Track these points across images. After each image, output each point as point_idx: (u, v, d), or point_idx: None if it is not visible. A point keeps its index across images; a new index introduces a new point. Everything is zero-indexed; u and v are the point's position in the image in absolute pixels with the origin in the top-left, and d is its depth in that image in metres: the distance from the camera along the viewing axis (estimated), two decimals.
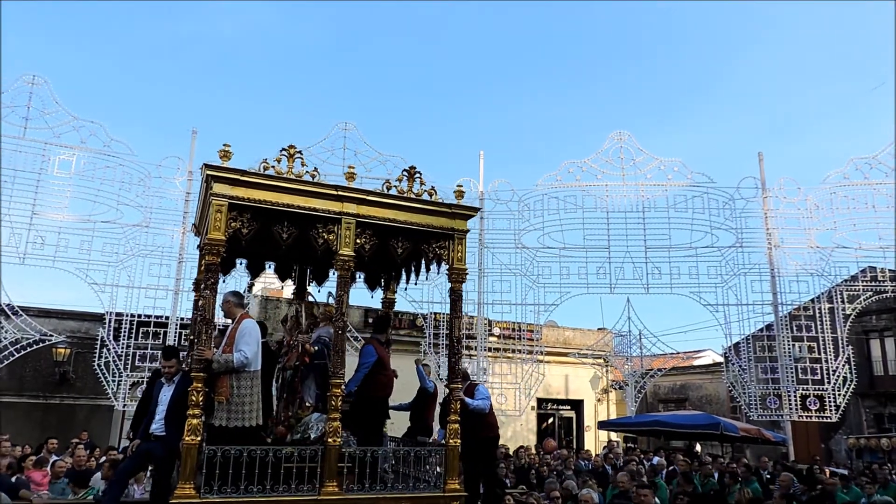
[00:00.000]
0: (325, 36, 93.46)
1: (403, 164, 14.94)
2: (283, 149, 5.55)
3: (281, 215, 5.41)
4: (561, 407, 23.15)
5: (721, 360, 19.76)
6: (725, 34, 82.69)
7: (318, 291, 7.96)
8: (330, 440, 5.26)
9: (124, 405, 13.23)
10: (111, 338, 13.20)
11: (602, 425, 19.70)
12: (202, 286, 5.35)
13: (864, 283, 14.47)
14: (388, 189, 5.88)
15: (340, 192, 5.55)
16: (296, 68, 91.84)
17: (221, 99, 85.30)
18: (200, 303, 5.34)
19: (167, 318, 13.45)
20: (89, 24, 77.59)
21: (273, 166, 5.43)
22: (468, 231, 6.19)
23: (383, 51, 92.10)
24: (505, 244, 15.47)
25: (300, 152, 5.57)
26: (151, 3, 72.60)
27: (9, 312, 12.76)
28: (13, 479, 8.00)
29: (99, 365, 13.18)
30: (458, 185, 6.41)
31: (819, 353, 14.12)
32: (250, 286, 12.59)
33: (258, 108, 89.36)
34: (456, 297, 6.09)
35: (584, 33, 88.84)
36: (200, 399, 4.97)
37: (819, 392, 13.94)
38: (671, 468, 12.20)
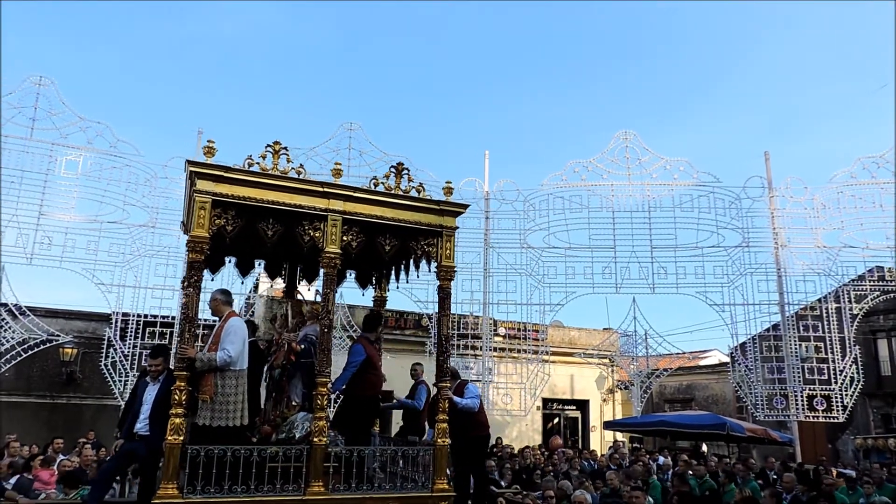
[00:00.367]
0: (329, 36, 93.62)
1: (409, 164, 14.91)
2: (268, 145, 5.47)
3: (266, 212, 5.35)
4: (566, 407, 23.12)
5: (727, 360, 19.70)
6: (730, 33, 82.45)
7: (309, 290, 7.94)
8: (316, 439, 5.20)
9: None
10: (118, 338, 13.24)
11: (607, 425, 19.68)
12: (185, 284, 5.31)
13: (872, 283, 14.40)
14: (376, 186, 5.82)
15: (326, 189, 5.49)
16: (299, 68, 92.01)
17: (225, 99, 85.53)
18: (184, 300, 5.32)
19: (173, 318, 13.48)
20: (93, 24, 77.87)
21: (258, 163, 5.36)
22: (457, 228, 6.11)
23: (387, 51, 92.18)
24: (510, 244, 15.47)
25: (285, 149, 5.50)
26: (155, 3, 72.83)
27: (16, 312, 12.82)
28: (13, 479, 7.99)
29: (106, 365, 13.23)
30: (447, 183, 6.31)
31: (826, 353, 14.06)
32: (256, 286, 12.64)
33: (262, 108, 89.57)
34: (444, 295, 6.03)
35: (588, 33, 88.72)
36: (184, 398, 4.90)
37: (826, 392, 13.88)
38: (677, 468, 12.18)
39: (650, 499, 8.75)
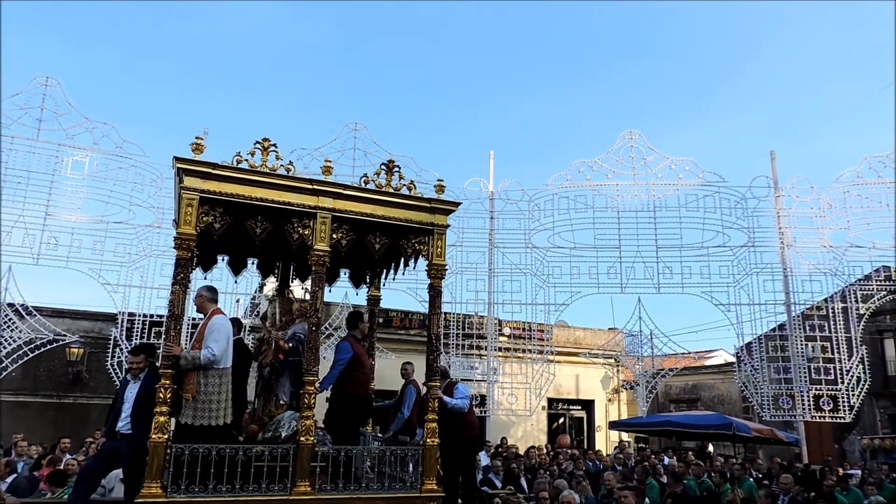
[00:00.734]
0: (331, 36, 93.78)
1: (413, 165, 14.90)
2: (257, 142, 5.38)
3: (254, 210, 5.28)
4: (571, 407, 23.08)
5: (733, 360, 19.66)
6: (736, 33, 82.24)
7: (302, 288, 7.89)
8: (302, 439, 5.12)
9: None
10: (124, 338, 13.29)
11: (613, 425, 19.63)
12: (172, 281, 5.23)
13: (878, 283, 14.37)
14: (366, 183, 5.71)
15: (315, 186, 5.40)
16: (302, 68, 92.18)
17: (228, 99, 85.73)
18: (170, 298, 5.24)
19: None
20: (95, 24, 78.19)
21: (247, 159, 5.28)
22: (448, 226, 6.00)
23: (390, 51, 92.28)
24: (515, 244, 15.48)
25: (275, 145, 5.42)
26: (157, 3, 73.09)
27: (23, 312, 12.89)
28: (10, 479, 7.97)
29: (112, 364, 13.28)
30: (438, 180, 6.20)
31: (832, 353, 14.03)
32: (261, 286, 12.65)
33: (265, 109, 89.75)
34: (435, 293, 5.92)
35: (593, 32, 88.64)
36: (168, 396, 4.84)
37: (832, 392, 13.84)
38: (676, 469, 12.15)
39: (647, 500, 8.75)
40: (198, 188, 5.06)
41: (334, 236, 5.49)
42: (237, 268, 7.35)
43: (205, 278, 7.42)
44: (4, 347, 12.56)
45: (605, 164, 15.34)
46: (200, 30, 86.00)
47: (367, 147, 14.79)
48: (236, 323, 6.46)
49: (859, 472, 13.38)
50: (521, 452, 14.13)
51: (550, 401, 21.50)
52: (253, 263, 7.38)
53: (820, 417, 13.97)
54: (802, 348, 14.32)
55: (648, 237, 14.84)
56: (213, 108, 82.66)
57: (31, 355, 13.00)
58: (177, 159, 5.10)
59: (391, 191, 5.75)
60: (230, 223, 5.23)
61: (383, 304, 18.58)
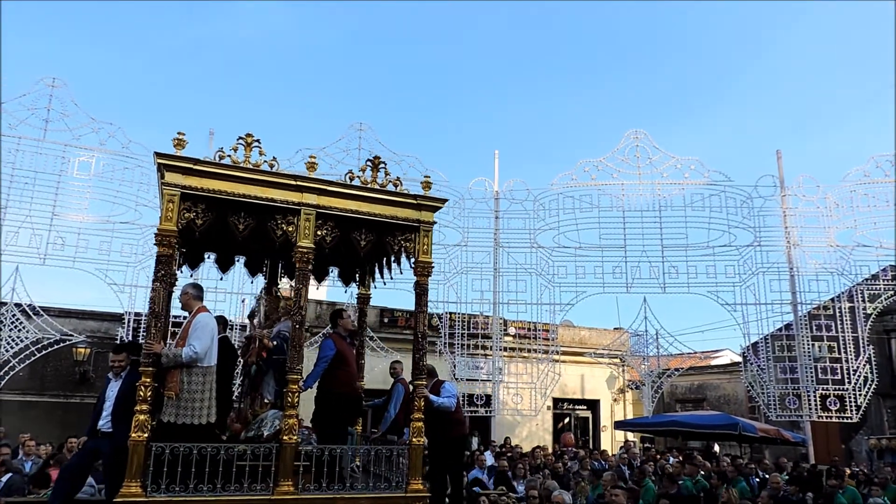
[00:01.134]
0: (339, 38, 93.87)
1: (419, 164, 14.90)
2: (240, 137, 5.33)
3: (237, 206, 5.22)
4: (577, 407, 23.06)
5: (739, 359, 19.59)
6: (742, 32, 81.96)
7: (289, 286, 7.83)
8: (285, 438, 5.07)
9: None
10: (130, 337, 13.32)
11: (618, 425, 19.60)
12: (153, 278, 5.19)
13: (886, 282, 14.29)
14: (351, 179, 5.65)
15: (299, 183, 5.36)
16: (310, 70, 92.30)
17: (237, 101, 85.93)
18: (151, 295, 5.20)
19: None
20: (102, 26, 78.45)
21: (229, 155, 5.23)
22: (434, 223, 5.95)
23: (397, 52, 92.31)
24: (520, 244, 15.46)
25: (258, 141, 5.36)
26: (165, 4, 73.28)
27: (30, 313, 12.94)
28: (5, 478, 7.96)
29: None
30: (425, 177, 6.15)
31: (839, 353, 13.96)
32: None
33: (273, 110, 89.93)
34: (421, 291, 5.86)
35: (598, 32, 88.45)
36: (149, 394, 4.78)
37: (839, 392, 13.78)
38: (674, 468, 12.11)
39: (641, 502, 8.73)
40: (179, 184, 5.01)
41: (318, 233, 5.43)
42: (225, 265, 7.28)
43: (191, 276, 7.37)
44: (12, 347, 12.61)
45: (610, 164, 15.30)
46: (207, 31, 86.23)
47: (373, 147, 14.82)
48: (221, 321, 6.40)
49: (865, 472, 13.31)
50: (526, 452, 14.13)
51: (556, 401, 21.49)
52: (240, 261, 7.31)
53: (827, 417, 13.90)
54: (809, 348, 14.25)
55: (654, 237, 14.80)
56: (220, 108, 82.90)
57: (39, 355, 13.03)
58: (157, 155, 5.05)
59: (377, 187, 5.69)
60: (212, 220, 5.18)
61: (388, 304, 18.55)
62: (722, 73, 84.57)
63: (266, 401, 6.10)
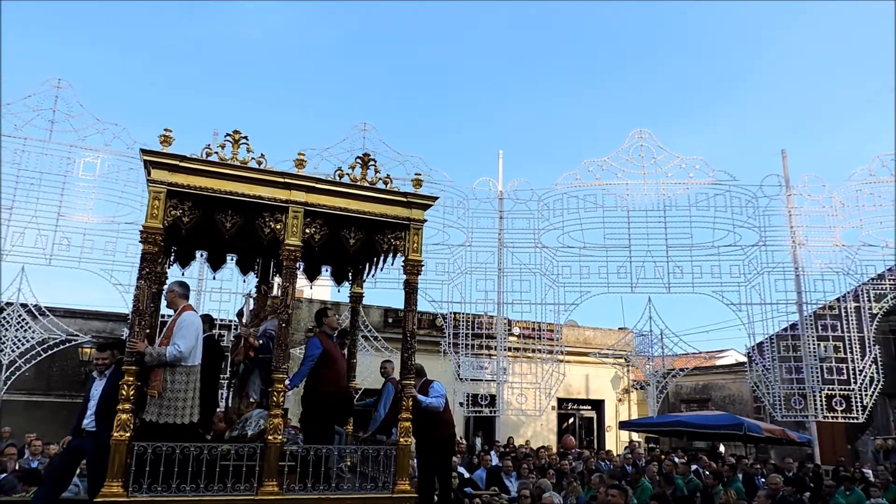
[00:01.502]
0: (342, 38, 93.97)
1: (422, 164, 14.91)
2: (228, 134, 5.26)
3: (224, 203, 5.15)
4: (581, 407, 23.03)
5: (744, 359, 19.54)
6: (747, 32, 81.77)
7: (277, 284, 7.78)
8: (270, 437, 5.00)
9: None
10: None
11: (623, 425, 19.55)
12: (138, 276, 5.07)
13: (892, 282, 14.24)
14: (340, 177, 5.55)
15: (287, 180, 5.28)
16: (314, 70, 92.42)
17: (240, 101, 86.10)
18: (135, 293, 5.11)
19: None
20: (106, 26, 78.73)
21: (216, 152, 5.15)
22: (425, 221, 5.86)
23: (400, 52, 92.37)
24: (525, 244, 15.47)
25: (245, 137, 5.29)
26: (169, 4, 73.51)
27: (36, 313, 13.00)
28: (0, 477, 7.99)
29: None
30: (415, 175, 6.08)
31: (845, 353, 13.93)
32: (271, 284, 12.70)
33: (276, 110, 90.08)
34: (410, 289, 5.79)
35: (602, 31, 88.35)
36: (131, 393, 4.71)
37: (845, 392, 13.74)
38: (694, 469, 12.08)
39: (635, 501, 8.68)
40: (165, 181, 4.95)
41: (307, 231, 5.36)
42: (216, 264, 7.23)
43: (182, 274, 7.33)
44: (18, 347, 12.67)
45: (614, 164, 15.30)
46: (208, 31, 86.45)
47: (377, 147, 14.82)
48: (207, 320, 6.35)
49: (870, 472, 13.25)
50: (530, 452, 14.10)
51: (560, 401, 21.45)
52: (232, 260, 7.25)
53: (832, 418, 13.86)
54: (814, 348, 14.21)
55: (659, 236, 14.79)
56: (220, 108, 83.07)
57: (44, 355, 13.10)
58: (143, 151, 5.00)
59: (366, 185, 5.61)
60: (199, 217, 5.13)
61: (392, 304, 18.50)
62: (723, 72, 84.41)
63: (252, 400, 6.04)
